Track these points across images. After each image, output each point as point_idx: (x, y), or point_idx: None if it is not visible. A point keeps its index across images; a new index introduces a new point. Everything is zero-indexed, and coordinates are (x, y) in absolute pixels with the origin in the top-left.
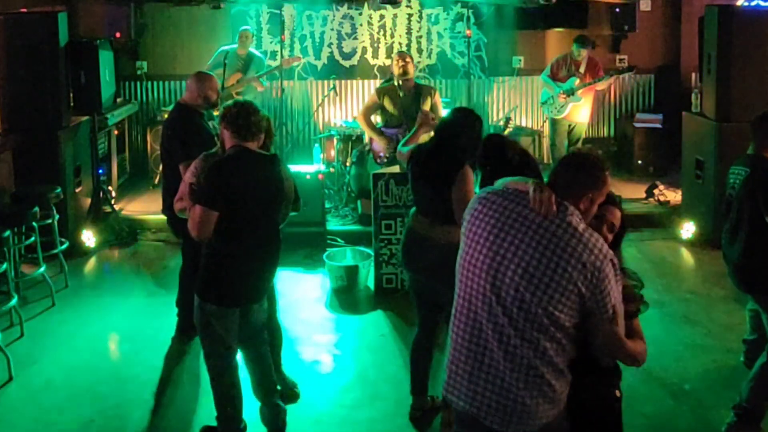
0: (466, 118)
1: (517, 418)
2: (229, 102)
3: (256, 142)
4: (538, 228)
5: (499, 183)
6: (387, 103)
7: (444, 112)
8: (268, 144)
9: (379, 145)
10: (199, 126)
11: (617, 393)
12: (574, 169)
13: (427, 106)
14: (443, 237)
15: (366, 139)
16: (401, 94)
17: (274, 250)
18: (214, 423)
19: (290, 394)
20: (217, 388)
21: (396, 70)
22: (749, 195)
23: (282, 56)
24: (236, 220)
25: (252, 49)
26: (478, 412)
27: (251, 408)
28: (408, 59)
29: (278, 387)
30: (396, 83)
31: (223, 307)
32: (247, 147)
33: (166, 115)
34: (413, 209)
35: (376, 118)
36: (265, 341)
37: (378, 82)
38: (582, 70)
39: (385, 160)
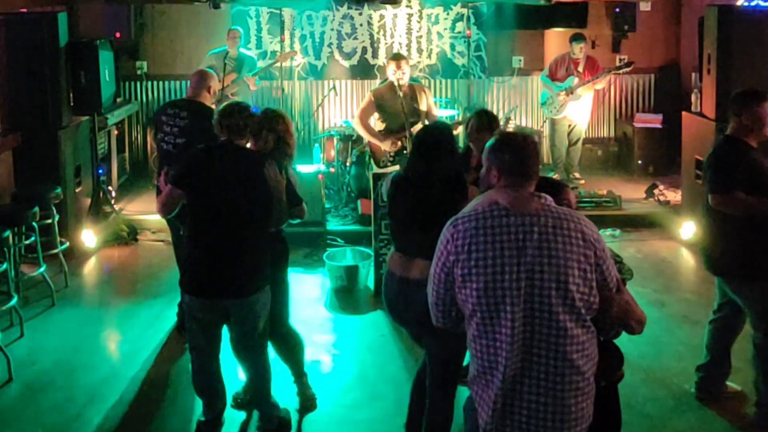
0: (446, 132)
1: (569, 427)
2: (222, 105)
3: (244, 139)
4: (537, 227)
5: (468, 208)
6: (384, 106)
7: (440, 111)
8: (284, 146)
9: (383, 146)
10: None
11: (618, 373)
12: (526, 153)
13: (423, 105)
14: (425, 273)
15: (366, 140)
16: (401, 94)
17: (241, 248)
18: None
19: (307, 405)
20: (194, 383)
21: (393, 76)
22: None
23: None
24: (200, 208)
25: (242, 50)
26: None
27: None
28: (405, 66)
29: (295, 394)
30: (395, 83)
31: (192, 296)
32: (234, 142)
33: None
34: (391, 251)
35: (375, 123)
36: (258, 350)
37: (378, 82)
38: (581, 69)
39: (390, 162)
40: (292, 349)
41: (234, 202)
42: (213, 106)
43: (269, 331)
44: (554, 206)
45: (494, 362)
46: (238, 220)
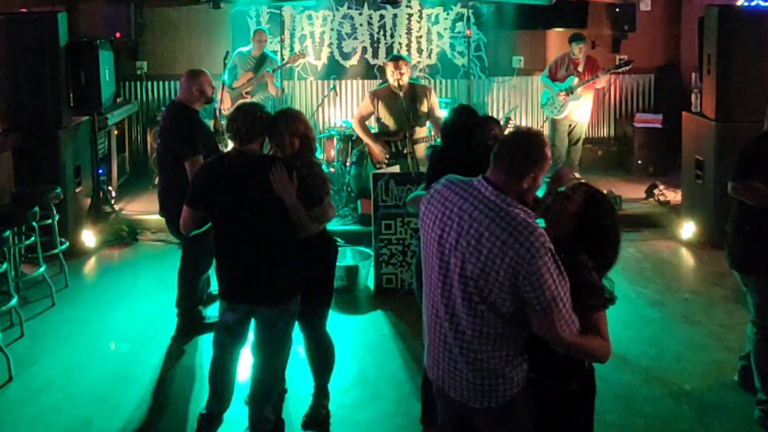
0: (473, 115)
1: (472, 394)
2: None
3: (254, 144)
4: (473, 221)
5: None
6: (382, 108)
7: (443, 112)
8: (309, 146)
9: (375, 149)
10: (200, 122)
11: (573, 386)
12: (519, 150)
13: (424, 108)
14: None
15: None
16: (400, 95)
17: (263, 253)
18: None
19: (312, 423)
20: (209, 371)
21: (391, 79)
22: None
23: (282, 56)
24: (219, 220)
25: (267, 50)
26: (444, 386)
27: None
28: (404, 68)
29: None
30: (394, 85)
31: (220, 298)
32: (244, 149)
33: None
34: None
35: (371, 124)
36: (276, 356)
37: (378, 83)
38: (580, 68)
39: (386, 164)
40: (324, 361)
41: (252, 209)
42: (197, 107)
43: (311, 332)
44: (512, 212)
45: (425, 307)
46: (253, 229)
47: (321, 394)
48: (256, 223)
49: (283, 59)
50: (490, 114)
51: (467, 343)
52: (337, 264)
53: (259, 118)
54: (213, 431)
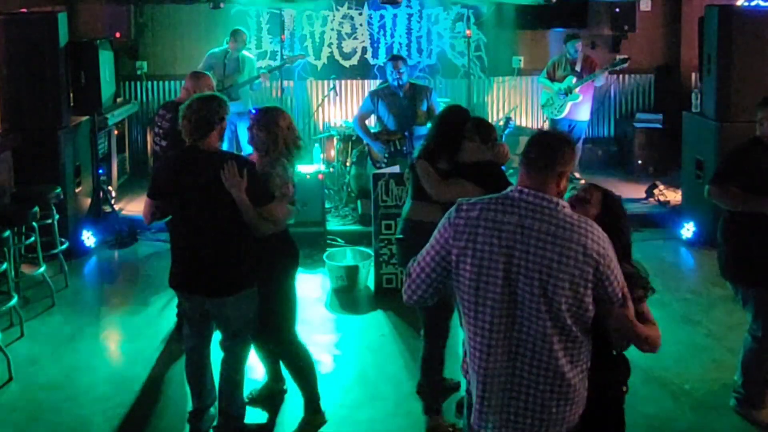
0: (463, 113)
1: (546, 428)
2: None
3: (211, 137)
4: (539, 232)
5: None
6: (382, 107)
7: None
8: (279, 149)
9: (374, 148)
10: None
11: (624, 389)
12: (551, 149)
13: (424, 107)
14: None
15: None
16: (400, 95)
17: (213, 246)
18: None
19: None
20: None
21: (391, 78)
22: None
23: (282, 56)
24: (174, 212)
25: (245, 52)
26: None
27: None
28: (403, 67)
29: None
30: (394, 84)
31: (173, 289)
32: (200, 144)
33: None
34: (407, 206)
35: (371, 122)
36: (233, 352)
37: (378, 83)
38: (578, 68)
39: (385, 163)
40: (300, 369)
41: (197, 206)
42: None
43: (274, 341)
44: (565, 212)
45: (475, 353)
46: (205, 223)
47: (308, 407)
48: (208, 216)
49: (283, 59)
50: (490, 114)
51: (551, 367)
52: (337, 264)
53: (207, 111)
54: (204, 427)
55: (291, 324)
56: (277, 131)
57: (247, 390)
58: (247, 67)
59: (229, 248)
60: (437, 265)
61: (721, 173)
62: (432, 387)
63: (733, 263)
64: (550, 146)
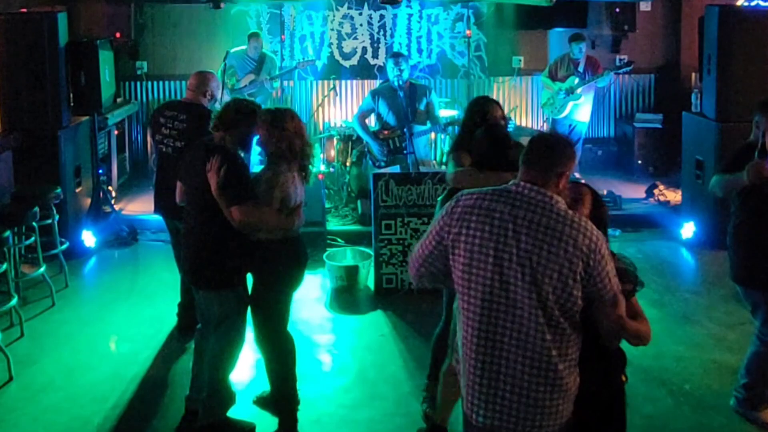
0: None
1: (540, 422)
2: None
3: (220, 134)
4: (531, 222)
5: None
6: (383, 106)
7: (443, 112)
8: (282, 152)
9: (374, 151)
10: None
11: (623, 378)
12: (551, 149)
13: (423, 106)
14: None
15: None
16: (400, 95)
17: (201, 237)
18: None
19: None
20: None
21: (391, 76)
22: None
23: (282, 56)
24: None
25: (265, 51)
26: (501, 425)
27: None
28: (403, 64)
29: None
30: (395, 83)
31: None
32: (212, 137)
33: None
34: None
35: (371, 122)
36: (216, 346)
37: (378, 83)
38: (581, 69)
39: (385, 162)
40: (271, 363)
41: (193, 194)
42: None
43: (261, 338)
44: (559, 207)
45: (467, 337)
46: (196, 212)
47: (278, 402)
48: (200, 206)
49: (283, 59)
50: None
51: (542, 357)
52: (337, 264)
53: (233, 111)
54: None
55: (277, 327)
56: (281, 133)
57: (255, 393)
58: (266, 64)
59: (213, 241)
60: (434, 248)
61: (722, 167)
62: (437, 357)
63: (745, 267)
64: (550, 147)
